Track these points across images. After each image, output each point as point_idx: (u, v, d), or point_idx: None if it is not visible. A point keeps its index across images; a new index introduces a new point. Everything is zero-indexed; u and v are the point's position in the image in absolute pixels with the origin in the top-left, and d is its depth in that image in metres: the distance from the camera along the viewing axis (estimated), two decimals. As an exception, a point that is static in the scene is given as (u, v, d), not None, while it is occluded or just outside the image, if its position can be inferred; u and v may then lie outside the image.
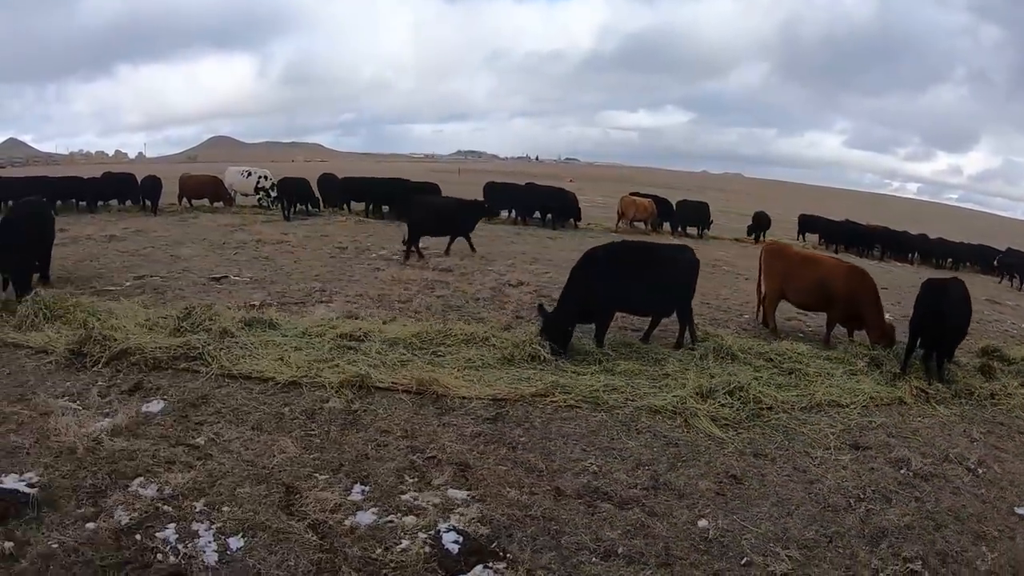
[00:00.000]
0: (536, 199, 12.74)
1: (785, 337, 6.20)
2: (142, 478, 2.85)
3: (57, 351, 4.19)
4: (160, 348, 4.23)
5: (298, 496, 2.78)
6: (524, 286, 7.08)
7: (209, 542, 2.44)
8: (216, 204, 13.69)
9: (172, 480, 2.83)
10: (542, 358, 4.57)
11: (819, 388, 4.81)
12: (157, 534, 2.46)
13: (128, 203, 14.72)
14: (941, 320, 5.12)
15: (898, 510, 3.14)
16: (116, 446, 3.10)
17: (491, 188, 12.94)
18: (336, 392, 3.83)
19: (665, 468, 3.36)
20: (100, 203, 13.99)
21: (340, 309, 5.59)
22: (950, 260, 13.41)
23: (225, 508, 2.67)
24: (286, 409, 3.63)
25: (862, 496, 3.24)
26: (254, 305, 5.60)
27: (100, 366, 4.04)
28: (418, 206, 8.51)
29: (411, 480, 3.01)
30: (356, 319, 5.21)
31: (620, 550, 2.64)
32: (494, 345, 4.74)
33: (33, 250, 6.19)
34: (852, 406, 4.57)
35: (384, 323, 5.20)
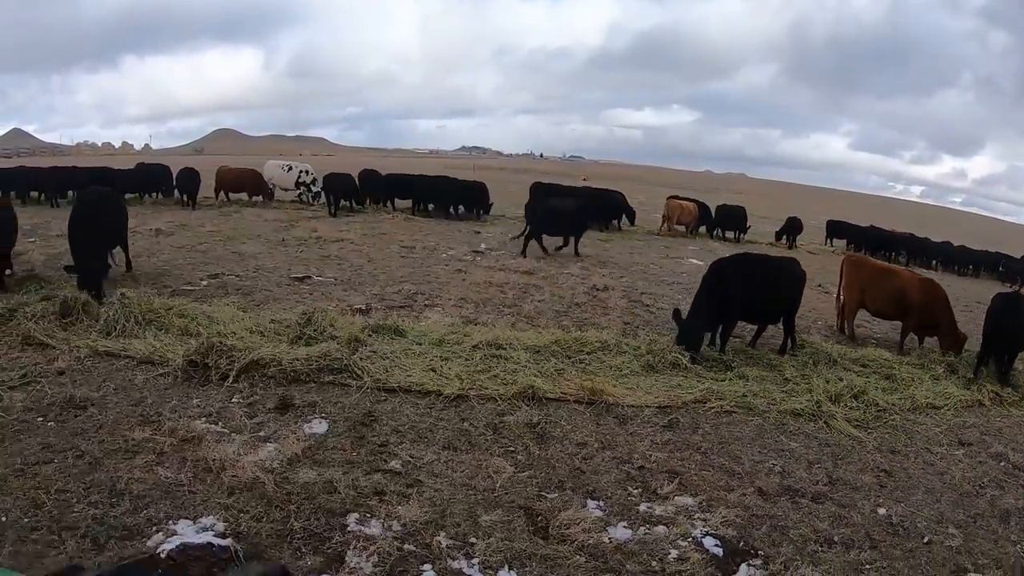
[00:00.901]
0: (588, 200, 12.88)
1: (862, 344, 6.55)
2: (356, 514, 2.58)
3: (172, 362, 3.88)
4: (298, 359, 3.92)
5: (541, 518, 2.71)
6: (612, 290, 7.09)
7: (479, 579, 2.22)
8: (255, 198, 13.47)
9: (395, 513, 2.59)
10: (682, 365, 4.74)
11: (917, 392, 5.18)
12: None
13: (157, 196, 14.45)
14: (1012, 331, 5.61)
15: (1012, 495, 3.58)
16: (305, 477, 2.80)
17: (537, 188, 13.03)
18: (507, 404, 3.75)
19: (831, 466, 3.63)
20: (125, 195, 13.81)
21: (452, 314, 5.49)
22: (970, 267, 14.07)
23: (473, 540, 2.51)
24: (466, 424, 3.51)
25: (982, 484, 3.67)
26: (360, 310, 5.44)
27: (231, 380, 3.72)
28: (543, 209, 9.17)
29: (636, 491, 3.08)
30: (475, 324, 5.12)
31: (836, 538, 2.90)
32: (628, 352, 4.78)
33: (106, 243, 5.87)
34: (945, 408, 4.99)
35: (513, 330, 5.08)
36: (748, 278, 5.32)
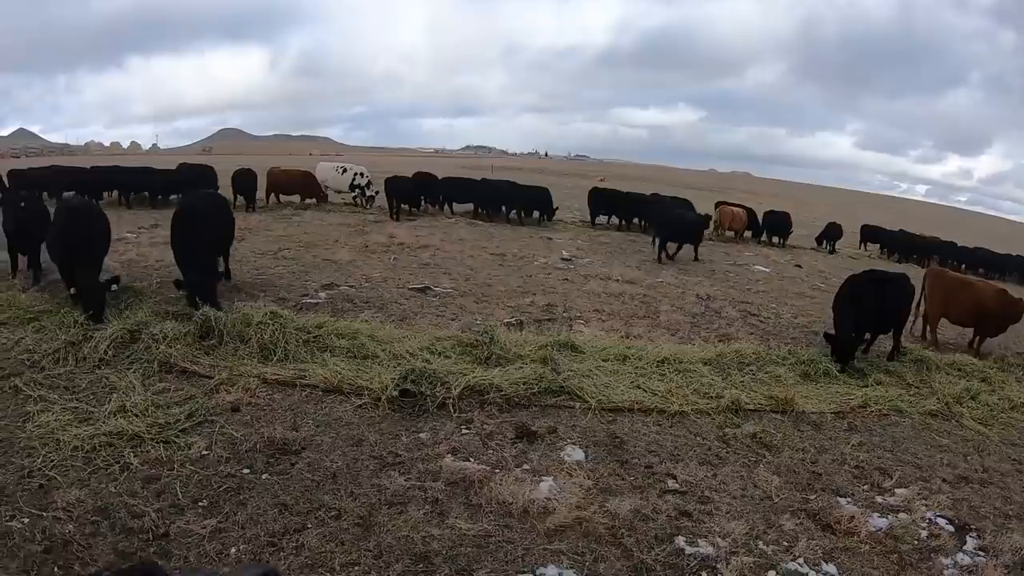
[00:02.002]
0: (646, 205, 13.31)
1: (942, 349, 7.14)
2: (682, 537, 2.73)
3: (369, 391, 3.73)
4: (511, 383, 3.94)
5: (819, 517, 3.05)
6: (718, 299, 7.47)
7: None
8: (307, 200, 13.47)
9: (713, 531, 2.79)
10: (832, 374, 5.20)
11: (1012, 392, 5.76)
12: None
13: None
14: None
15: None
16: (612, 508, 2.82)
17: (597, 194, 13.36)
18: (721, 417, 4.02)
19: (978, 457, 4.13)
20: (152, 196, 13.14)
21: (601, 327, 5.70)
22: (997, 272, 14.96)
23: (786, 543, 2.80)
24: (700, 439, 3.75)
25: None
26: (511, 324, 5.55)
27: (454, 410, 3.64)
28: (671, 218, 10.26)
29: (866, 487, 3.50)
30: (636, 338, 5.35)
31: (1010, 512, 3.42)
32: (783, 363, 5.11)
33: (215, 252, 5.78)
34: (1040, 405, 5.58)
35: (678, 344, 5.40)
36: (878, 294, 5.81)
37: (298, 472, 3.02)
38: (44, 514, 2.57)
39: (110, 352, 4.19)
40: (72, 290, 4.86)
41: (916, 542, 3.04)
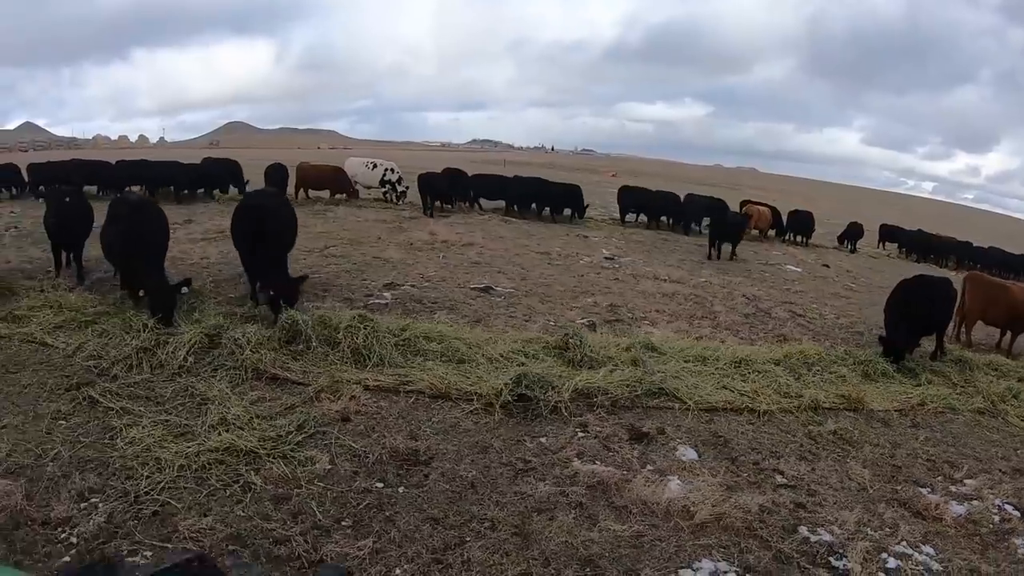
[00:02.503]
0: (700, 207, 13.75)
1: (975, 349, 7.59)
2: (804, 527, 2.98)
3: (479, 396, 3.82)
4: (616, 385, 4.15)
5: (909, 505, 3.41)
6: (764, 300, 7.85)
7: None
8: (337, 196, 13.65)
9: (826, 520, 3.05)
10: (889, 374, 5.60)
11: None
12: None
13: (217, 192, 14.07)
14: None
15: None
16: (742, 503, 3.04)
17: (627, 192, 13.72)
18: (804, 415, 4.36)
19: None
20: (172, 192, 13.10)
21: (668, 328, 6.03)
22: (1012, 272, 15.52)
23: (888, 529, 3.15)
24: (790, 436, 4.08)
25: None
26: (585, 325, 5.78)
27: (566, 413, 3.79)
28: (720, 220, 11.11)
29: (939, 478, 3.86)
30: (705, 339, 5.69)
31: None
32: (843, 363, 5.53)
33: (283, 253, 5.55)
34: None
35: (750, 345, 5.75)
36: (927, 298, 6.21)
37: (434, 483, 3.03)
38: (168, 546, 2.40)
39: (190, 358, 4.08)
40: (140, 292, 4.71)
41: (991, 526, 3.43)
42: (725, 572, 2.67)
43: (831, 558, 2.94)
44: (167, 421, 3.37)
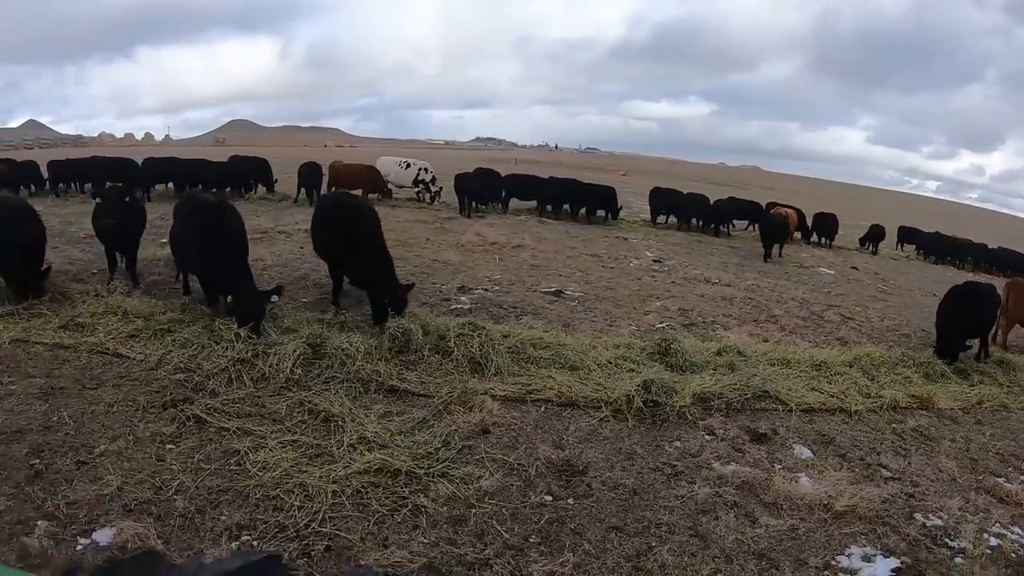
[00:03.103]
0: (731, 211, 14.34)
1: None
2: (919, 513, 3.41)
3: (606, 403, 4.06)
4: (728, 388, 4.52)
5: (992, 493, 3.92)
6: (812, 303, 8.43)
7: None
8: (370, 196, 13.92)
9: (938, 506, 3.55)
10: (946, 375, 6.19)
11: None
12: None
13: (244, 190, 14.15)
14: None
15: None
16: (868, 495, 3.42)
17: (658, 193, 14.27)
18: (886, 414, 4.87)
19: None
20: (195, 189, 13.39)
21: (741, 332, 6.48)
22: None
23: (982, 515, 3.60)
24: (877, 434, 4.56)
25: None
26: (665, 329, 6.18)
27: (691, 418, 4.08)
28: (769, 223, 12.21)
29: (1011, 469, 4.41)
30: (772, 342, 6.29)
31: None
32: (904, 365, 6.19)
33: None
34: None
35: (820, 349, 6.23)
36: (975, 303, 6.82)
37: (599, 492, 3.18)
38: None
39: (298, 370, 4.03)
40: (227, 299, 4.69)
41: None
42: (872, 555, 3.15)
43: (947, 539, 3.47)
44: (295, 441, 3.25)
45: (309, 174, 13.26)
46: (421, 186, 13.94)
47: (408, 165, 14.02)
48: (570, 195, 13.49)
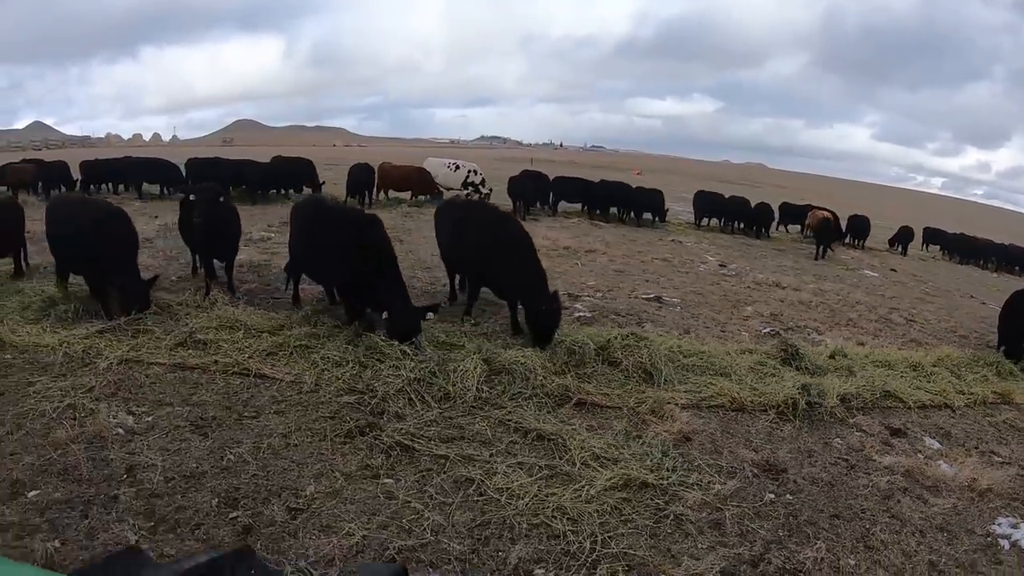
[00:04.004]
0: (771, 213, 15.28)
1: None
2: None
3: (775, 405, 4.60)
4: (863, 389, 5.26)
5: None
6: (876, 307, 9.36)
7: None
8: (419, 197, 14.45)
9: None
10: (1015, 373, 7.16)
11: None
12: None
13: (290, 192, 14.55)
14: None
15: None
16: (1001, 476, 4.10)
17: (700, 196, 15.16)
18: (975, 408, 5.66)
19: None
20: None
21: (837, 337, 7.23)
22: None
23: None
24: (979, 426, 5.31)
25: None
26: (768, 334, 6.89)
27: (841, 417, 4.68)
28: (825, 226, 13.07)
29: None
30: (862, 345, 7.22)
31: None
32: (977, 364, 7.19)
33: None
34: None
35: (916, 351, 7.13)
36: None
37: (805, 487, 3.69)
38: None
39: (484, 388, 4.17)
40: (383, 314, 4.73)
41: None
42: (1017, 524, 3.92)
43: (1067, 513, 4.39)
44: (520, 464, 3.39)
45: (360, 176, 13.76)
46: (471, 188, 14.51)
47: (457, 167, 14.59)
48: (620, 198, 14.26)
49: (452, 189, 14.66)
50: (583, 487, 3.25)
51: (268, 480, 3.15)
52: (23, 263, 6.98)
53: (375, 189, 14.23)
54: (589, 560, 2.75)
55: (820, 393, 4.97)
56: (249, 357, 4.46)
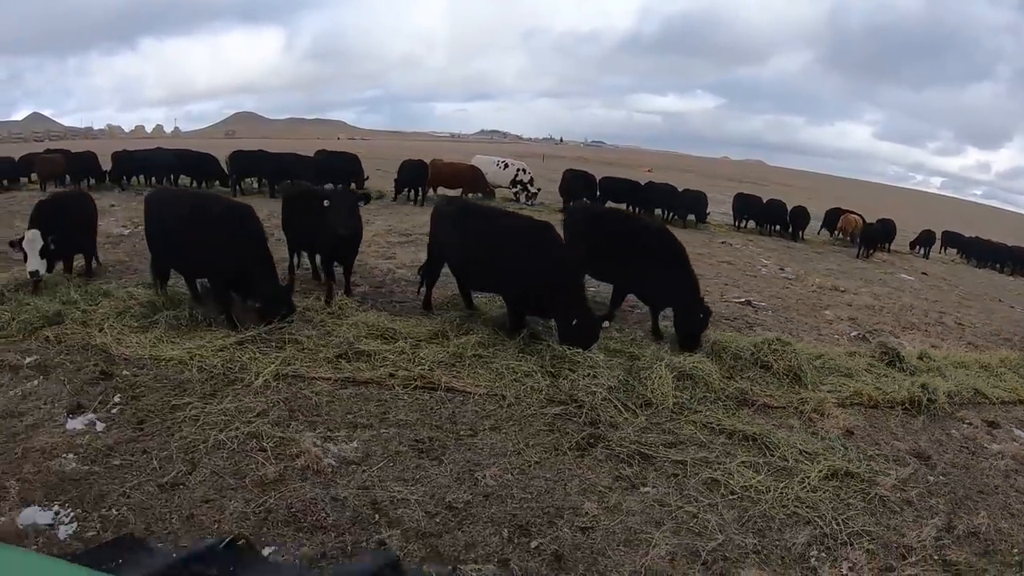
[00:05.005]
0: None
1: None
2: None
3: (900, 401, 5.30)
4: (960, 388, 6.01)
5: None
6: (929, 311, 10.60)
7: None
8: (470, 195, 14.98)
9: None
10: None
11: None
12: None
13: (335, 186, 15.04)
14: None
15: None
16: None
17: (739, 199, 16.15)
18: None
19: None
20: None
21: (910, 339, 8.20)
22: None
23: None
24: None
25: None
26: (858, 337, 7.82)
27: (949, 411, 5.41)
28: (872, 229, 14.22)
29: None
30: (936, 348, 8.30)
31: None
32: None
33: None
34: None
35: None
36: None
37: (951, 470, 4.43)
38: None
39: (676, 393, 4.64)
40: (572, 321, 5.02)
41: None
42: None
43: None
44: (744, 463, 3.92)
45: (412, 172, 14.23)
46: (519, 187, 15.13)
47: (506, 165, 15.16)
48: (670, 200, 15.13)
49: (500, 187, 15.26)
50: (804, 479, 3.82)
51: (539, 502, 3.28)
52: (95, 261, 7.07)
53: (427, 186, 14.68)
54: (841, 540, 3.30)
55: (934, 391, 5.92)
56: (430, 370, 4.58)
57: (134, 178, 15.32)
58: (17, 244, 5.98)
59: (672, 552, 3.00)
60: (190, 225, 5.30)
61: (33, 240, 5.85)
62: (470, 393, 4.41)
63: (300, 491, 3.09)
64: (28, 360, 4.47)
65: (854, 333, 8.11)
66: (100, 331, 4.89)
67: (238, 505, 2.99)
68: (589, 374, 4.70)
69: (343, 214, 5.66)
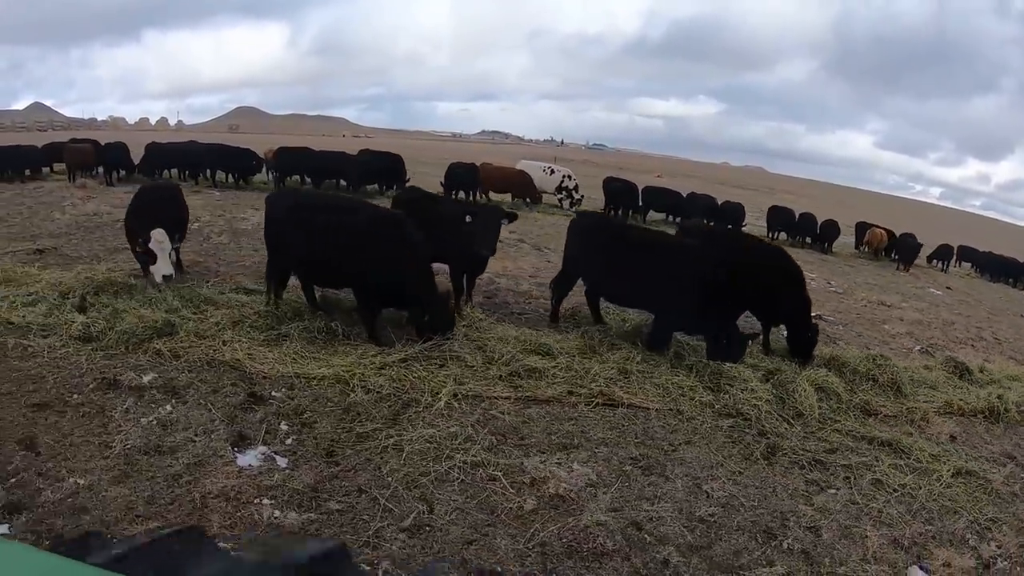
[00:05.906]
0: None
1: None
2: None
3: (980, 411, 5.94)
4: None
5: None
6: (970, 326, 11.63)
7: None
8: (517, 200, 15.60)
9: None
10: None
11: None
12: None
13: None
14: None
15: None
16: None
17: (773, 211, 17.15)
18: None
19: None
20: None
21: (965, 353, 9.08)
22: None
23: None
24: None
25: None
26: (922, 351, 8.66)
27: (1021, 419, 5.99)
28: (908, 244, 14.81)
29: None
30: (990, 362, 9.32)
31: None
32: None
33: None
34: None
35: None
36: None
37: None
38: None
39: (824, 407, 5.25)
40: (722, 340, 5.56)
41: None
42: None
43: None
44: (893, 465, 4.53)
45: (464, 175, 14.80)
46: (564, 193, 15.86)
47: (552, 171, 15.81)
48: (710, 211, 16.05)
49: (546, 192, 15.96)
50: (939, 477, 4.50)
51: (765, 507, 3.78)
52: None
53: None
54: (984, 525, 4.08)
55: (1006, 402, 6.87)
56: (607, 387, 4.87)
57: (165, 172, 15.36)
58: (144, 247, 5.78)
59: (880, 541, 3.65)
60: (338, 233, 5.11)
61: (163, 241, 5.75)
62: (648, 408, 4.75)
63: (561, 519, 3.15)
64: (147, 378, 4.10)
65: (918, 347, 9.06)
66: (225, 344, 4.61)
67: (507, 543, 2.96)
68: (746, 388, 5.23)
69: (490, 234, 5.74)
